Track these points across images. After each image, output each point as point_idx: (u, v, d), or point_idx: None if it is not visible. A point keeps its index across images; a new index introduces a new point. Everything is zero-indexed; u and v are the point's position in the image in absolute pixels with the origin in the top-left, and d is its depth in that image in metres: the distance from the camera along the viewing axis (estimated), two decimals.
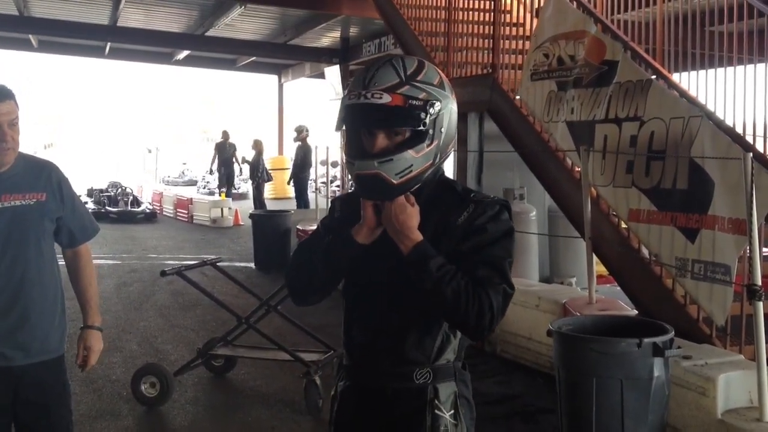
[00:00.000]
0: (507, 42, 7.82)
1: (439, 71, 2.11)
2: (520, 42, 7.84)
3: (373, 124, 2.02)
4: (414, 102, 1.98)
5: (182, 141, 44.79)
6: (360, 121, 2.05)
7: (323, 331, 6.33)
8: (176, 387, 5.55)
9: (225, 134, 19.48)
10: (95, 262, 3.19)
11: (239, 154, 19.55)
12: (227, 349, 5.94)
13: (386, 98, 1.97)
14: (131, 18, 17.31)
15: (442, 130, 2.04)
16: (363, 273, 2.16)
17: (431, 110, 1.99)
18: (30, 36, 19.95)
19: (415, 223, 2.01)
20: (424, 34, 9.25)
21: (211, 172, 21.00)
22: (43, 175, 2.87)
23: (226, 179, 19.17)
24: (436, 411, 2.07)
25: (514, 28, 8.04)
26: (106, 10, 16.43)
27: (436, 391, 2.09)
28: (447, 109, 2.04)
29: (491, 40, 7.90)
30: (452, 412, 2.09)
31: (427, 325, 2.09)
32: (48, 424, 2.96)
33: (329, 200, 11.61)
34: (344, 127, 2.10)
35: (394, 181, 2.00)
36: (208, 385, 5.97)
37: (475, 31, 8.69)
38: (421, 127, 1.98)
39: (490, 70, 7.74)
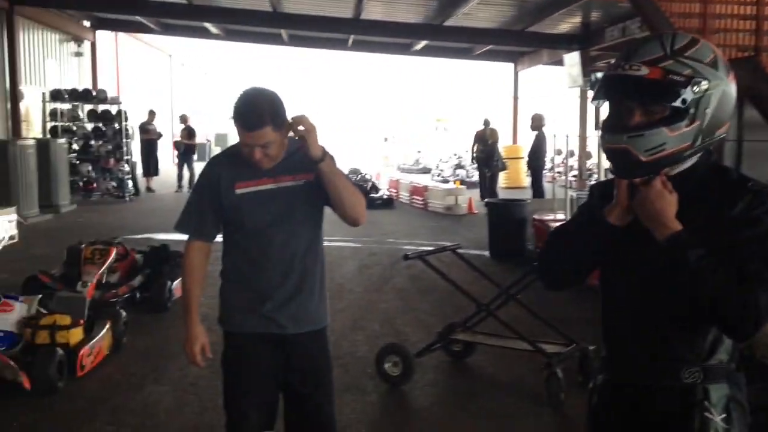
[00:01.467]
0: None
1: (716, 50, 1.96)
2: None
3: (627, 97, 1.95)
4: (674, 77, 1.87)
5: (416, 129, 45.89)
6: (615, 93, 1.99)
7: (563, 323, 6.20)
8: (417, 368, 5.68)
9: (486, 122, 19.14)
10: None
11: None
12: (467, 335, 5.99)
13: (644, 71, 1.89)
14: (373, 10, 17.95)
15: (707, 111, 1.90)
16: (622, 261, 2.07)
17: (695, 88, 1.87)
18: (282, 31, 21.33)
19: (673, 212, 1.90)
20: (676, 16, 8.71)
21: (472, 160, 21.06)
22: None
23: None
24: (706, 413, 1.95)
25: None
26: (350, 4, 17.16)
27: (707, 392, 1.96)
28: (717, 90, 1.90)
29: (754, 21, 7.28)
30: (724, 415, 1.95)
31: (696, 321, 1.96)
32: (314, 391, 3.15)
33: (566, 190, 11.36)
34: (601, 101, 2.05)
35: (643, 158, 1.91)
36: (448, 369, 6.06)
37: (735, 11, 8.06)
38: (679, 105, 1.86)
39: (753, 53, 7.14)
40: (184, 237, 3.21)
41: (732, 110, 1.97)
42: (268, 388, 3.15)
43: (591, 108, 19.52)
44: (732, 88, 1.95)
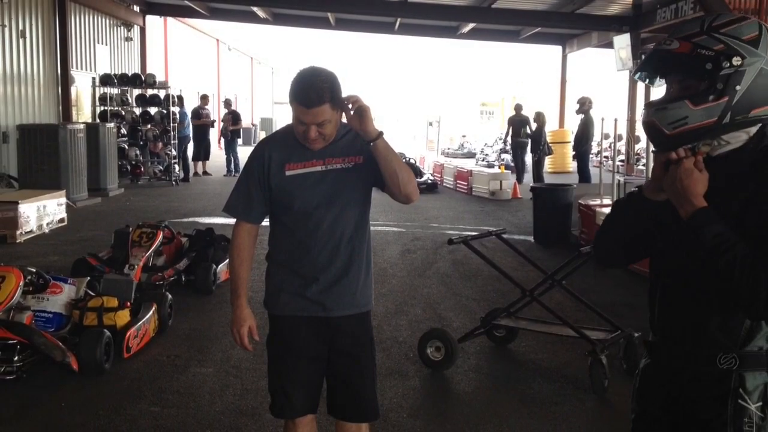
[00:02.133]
0: None
1: (766, 29, 1.89)
2: None
3: (656, 70, 2.00)
4: (702, 51, 1.86)
5: (461, 114, 45.63)
6: (648, 67, 2.03)
7: (608, 310, 6.11)
8: (459, 353, 5.65)
9: (518, 107, 19.18)
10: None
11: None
12: (510, 320, 5.94)
13: (674, 45, 1.91)
14: None
15: (738, 88, 1.85)
16: (666, 246, 2.06)
17: (725, 63, 1.84)
18: (329, 14, 21.32)
19: (701, 190, 1.87)
20: None
21: (504, 146, 21.02)
22: (359, 140, 3.01)
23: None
24: (740, 400, 1.91)
25: None
26: None
27: (742, 378, 1.92)
28: (753, 68, 1.85)
29: None
30: (760, 404, 1.91)
31: (733, 306, 1.91)
32: (358, 373, 3.17)
33: (614, 175, 11.17)
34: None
35: (666, 131, 1.92)
36: (490, 355, 6.02)
37: None
38: (705, 78, 1.86)
39: None
40: (231, 221, 3.23)
41: None
42: (313, 371, 3.16)
43: (641, 91, 19.17)
44: None
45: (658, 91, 2.11)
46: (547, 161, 18.82)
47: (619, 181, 11.09)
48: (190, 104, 20.92)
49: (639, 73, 2.07)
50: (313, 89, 2.86)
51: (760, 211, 1.84)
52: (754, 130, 1.96)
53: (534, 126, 17.44)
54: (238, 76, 38.71)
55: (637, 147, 19.67)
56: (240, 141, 21.71)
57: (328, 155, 3.02)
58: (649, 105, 1.99)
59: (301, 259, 3.06)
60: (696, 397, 1.98)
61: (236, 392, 5.08)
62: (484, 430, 4.59)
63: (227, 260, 8.14)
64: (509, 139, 19.28)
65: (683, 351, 2.02)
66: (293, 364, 3.14)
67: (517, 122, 18.53)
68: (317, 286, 3.05)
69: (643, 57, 2.06)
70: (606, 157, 19.67)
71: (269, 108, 47.64)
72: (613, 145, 12.01)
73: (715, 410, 1.94)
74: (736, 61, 1.85)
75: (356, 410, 3.22)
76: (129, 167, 18.15)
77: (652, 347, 2.14)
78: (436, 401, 5.17)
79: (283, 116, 49.50)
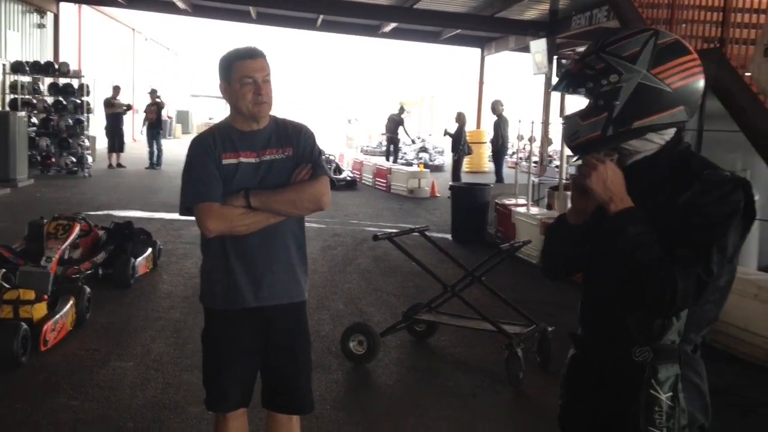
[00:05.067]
0: (738, 15, 7.31)
1: (651, 44, 1.99)
2: (753, 15, 7.31)
3: (565, 87, 2.17)
4: (586, 71, 2.06)
5: (380, 112, 45.85)
6: (560, 85, 2.20)
7: (524, 305, 6.31)
8: (381, 347, 5.75)
9: (401, 109, 19.93)
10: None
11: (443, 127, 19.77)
12: (431, 315, 6.07)
13: (572, 65, 2.13)
14: None
15: (616, 103, 2.00)
16: (593, 246, 2.16)
17: (603, 81, 2.01)
18: (250, 8, 21.14)
19: (618, 188, 1.98)
20: (645, 6, 8.86)
21: (412, 141, 21.56)
22: (291, 133, 3.10)
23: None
24: (652, 391, 2.03)
25: (747, 0, 7.51)
26: None
27: (655, 371, 2.04)
28: (629, 83, 1.99)
29: (721, 13, 7.42)
30: (670, 394, 2.03)
31: (669, 313, 2.01)
32: (293, 365, 3.20)
33: (529, 176, 11.48)
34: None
35: (568, 143, 2.16)
36: (411, 349, 6.14)
37: (703, 2, 8.20)
38: (591, 95, 2.05)
39: (718, 45, 7.29)
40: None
41: (662, 102, 1.99)
42: (248, 364, 3.18)
43: (555, 96, 19.72)
44: (659, 81, 1.98)
45: (574, 97, 2.24)
46: (465, 160, 19.13)
47: (533, 181, 11.40)
48: (104, 95, 20.37)
49: (556, 88, 2.22)
50: (251, 47, 3.03)
51: (673, 216, 1.95)
52: (669, 135, 2.07)
53: (456, 126, 17.73)
54: (155, 67, 37.91)
55: (550, 149, 20.23)
56: (164, 133, 21.30)
57: (261, 147, 3.07)
58: (564, 118, 2.19)
59: (234, 251, 3.07)
60: (614, 387, 2.09)
61: (158, 386, 5.05)
62: (405, 422, 4.71)
63: (146, 253, 8.12)
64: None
65: (604, 345, 2.14)
66: (228, 358, 3.15)
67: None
68: (250, 277, 3.07)
69: (556, 61, 2.24)
70: (521, 158, 20.16)
71: (186, 101, 46.83)
72: (528, 146, 12.33)
73: (630, 400, 2.05)
74: (613, 78, 2.00)
75: (290, 402, 3.25)
76: (39, 157, 17.58)
77: (578, 340, 2.26)
78: (359, 394, 5.25)
79: (199, 110, 48.77)
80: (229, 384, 3.16)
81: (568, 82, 2.13)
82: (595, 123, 2.04)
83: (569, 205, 2.18)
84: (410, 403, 5.01)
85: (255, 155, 3.06)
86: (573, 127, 2.08)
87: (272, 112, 3.13)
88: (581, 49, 20.20)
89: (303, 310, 3.26)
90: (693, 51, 2.04)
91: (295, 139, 3.11)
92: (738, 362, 5.82)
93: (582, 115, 2.07)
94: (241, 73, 2.96)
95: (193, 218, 3.08)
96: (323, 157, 3.28)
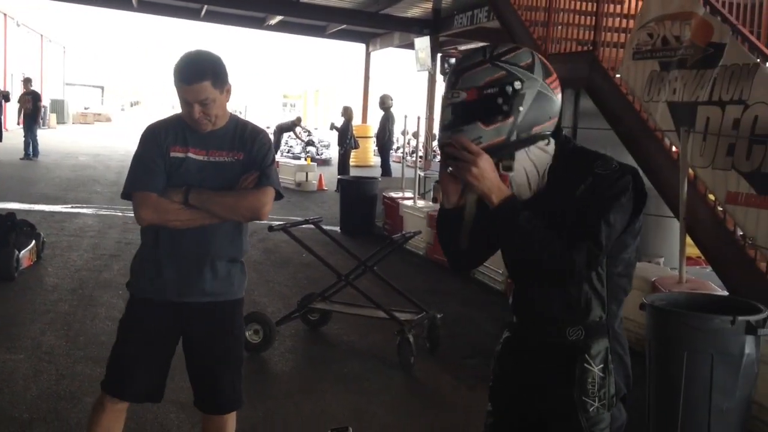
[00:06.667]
0: (609, 19, 7.84)
1: (537, 57, 2.16)
2: (623, 20, 7.85)
3: (462, 122, 2.11)
4: (488, 90, 2.08)
5: (265, 105, 45.54)
6: (452, 125, 2.14)
7: (413, 293, 6.58)
8: (277, 336, 5.88)
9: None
10: None
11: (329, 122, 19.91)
12: (325, 304, 6.26)
13: (463, 95, 2.10)
14: None
15: (521, 109, 2.09)
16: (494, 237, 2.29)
17: (508, 88, 2.07)
18: None
19: (496, 179, 2.09)
20: (523, 8, 9.30)
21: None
22: (247, 137, 3.08)
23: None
24: (585, 364, 2.19)
25: (617, 6, 8.05)
26: None
27: (588, 346, 2.19)
28: (531, 90, 2.10)
29: (594, 17, 7.93)
30: (602, 366, 2.19)
31: (569, 289, 2.19)
32: (213, 364, 3.18)
33: (416, 170, 11.81)
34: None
35: (447, 144, 2.12)
36: (305, 337, 6.31)
37: (577, 6, 8.72)
38: (501, 103, 2.08)
39: (591, 47, 7.78)
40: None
41: (552, 109, 2.16)
42: (158, 356, 3.15)
43: (440, 91, 20.24)
44: (550, 90, 2.15)
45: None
46: (352, 155, 19.37)
47: (420, 175, 11.74)
48: None
49: (448, 132, 2.17)
50: (193, 66, 2.92)
51: (577, 199, 2.11)
52: (551, 142, 2.21)
53: (342, 120, 17.91)
54: (27, 54, 36.26)
55: (434, 144, 20.74)
56: (40, 123, 20.46)
57: (212, 147, 3.05)
58: (444, 128, 2.16)
59: (166, 243, 3.06)
60: (548, 366, 2.25)
61: (51, 377, 5.00)
62: (304, 406, 4.87)
63: (30, 246, 7.91)
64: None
65: (537, 328, 2.29)
66: (139, 346, 3.11)
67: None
68: (178, 271, 3.06)
69: (447, 65, 2.28)
70: (406, 152, 20.56)
71: (60, 89, 45.03)
72: (414, 141, 12.66)
73: (564, 375, 2.21)
74: (518, 85, 2.09)
75: (211, 402, 3.23)
76: None
77: (513, 325, 2.40)
78: (256, 381, 5.34)
79: (75, 98, 46.95)
80: (132, 370, 3.10)
81: (473, 110, 2.09)
82: (501, 128, 2.09)
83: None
84: (307, 388, 5.18)
85: (204, 153, 3.03)
86: (475, 132, 2.08)
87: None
88: (464, 47, 20.88)
89: (232, 309, 3.20)
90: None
91: (249, 145, 3.08)
92: None
93: (484, 119, 2.09)
94: (179, 94, 2.95)
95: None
96: (274, 166, 3.19)
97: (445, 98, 2.16)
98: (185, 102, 2.95)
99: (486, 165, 2.07)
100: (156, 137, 3.06)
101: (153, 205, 3.00)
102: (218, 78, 2.95)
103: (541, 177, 2.19)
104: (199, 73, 2.90)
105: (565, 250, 2.06)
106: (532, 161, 2.18)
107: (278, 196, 3.14)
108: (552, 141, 2.21)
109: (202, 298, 3.10)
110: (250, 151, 3.08)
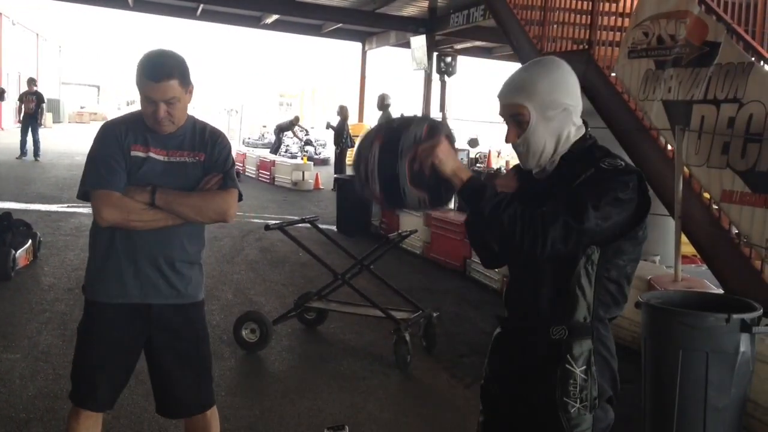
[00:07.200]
0: (605, 18, 7.85)
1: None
2: (618, 19, 7.86)
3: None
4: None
5: (262, 104, 45.49)
6: None
7: (409, 292, 6.60)
8: (273, 335, 5.89)
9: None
10: None
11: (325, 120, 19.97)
12: (321, 303, 6.27)
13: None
14: None
15: None
16: None
17: None
18: None
19: (457, 161, 2.20)
20: (519, 7, 9.31)
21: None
22: (207, 138, 3.06)
23: None
24: (567, 365, 2.21)
25: (613, 5, 8.06)
26: None
27: (570, 346, 2.21)
28: None
29: (589, 16, 7.94)
30: (584, 368, 2.21)
31: (557, 284, 2.23)
32: (177, 368, 3.10)
33: None
34: None
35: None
36: (302, 336, 6.32)
37: (573, 5, 8.72)
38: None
39: (586, 46, 7.79)
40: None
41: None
42: (123, 363, 3.08)
43: (436, 90, 20.24)
44: None
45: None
46: (349, 154, 19.38)
47: None
48: None
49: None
50: (161, 64, 2.87)
51: (574, 186, 2.17)
52: (567, 133, 2.28)
53: (338, 119, 17.90)
54: (23, 53, 36.20)
55: None
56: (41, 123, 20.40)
57: (172, 147, 3.00)
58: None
59: (123, 243, 2.98)
60: (533, 363, 2.28)
61: (48, 377, 5.01)
62: (300, 404, 4.87)
63: (26, 245, 7.91)
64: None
65: (524, 324, 2.34)
66: (103, 354, 3.03)
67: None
68: (137, 272, 2.98)
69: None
70: None
71: (56, 89, 44.92)
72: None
73: (547, 374, 2.23)
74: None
75: (178, 405, 3.17)
76: None
77: (503, 321, 2.45)
78: (253, 379, 5.38)
79: (70, 98, 46.87)
80: (99, 381, 3.03)
81: None
82: None
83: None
84: (303, 387, 5.19)
85: (165, 153, 2.98)
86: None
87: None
88: (460, 46, 20.90)
89: (195, 311, 3.14)
90: None
91: (210, 146, 3.05)
92: None
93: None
94: (144, 92, 2.89)
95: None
96: (235, 169, 3.18)
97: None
98: (150, 100, 2.89)
99: (446, 149, 2.18)
100: (116, 135, 2.97)
101: (116, 205, 2.90)
102: (184, 77, 2.91)
103: (552, 157, 2.27)
104: (167, 71, 2.86)
105: (539, 223, 2.09)
106: (556, 138, 2.26)
107: (239, 197, 3.12)
108: (583, 129, 2.31)
109: (166, 300, 3.02)
110: (211, 153, 3.04)
